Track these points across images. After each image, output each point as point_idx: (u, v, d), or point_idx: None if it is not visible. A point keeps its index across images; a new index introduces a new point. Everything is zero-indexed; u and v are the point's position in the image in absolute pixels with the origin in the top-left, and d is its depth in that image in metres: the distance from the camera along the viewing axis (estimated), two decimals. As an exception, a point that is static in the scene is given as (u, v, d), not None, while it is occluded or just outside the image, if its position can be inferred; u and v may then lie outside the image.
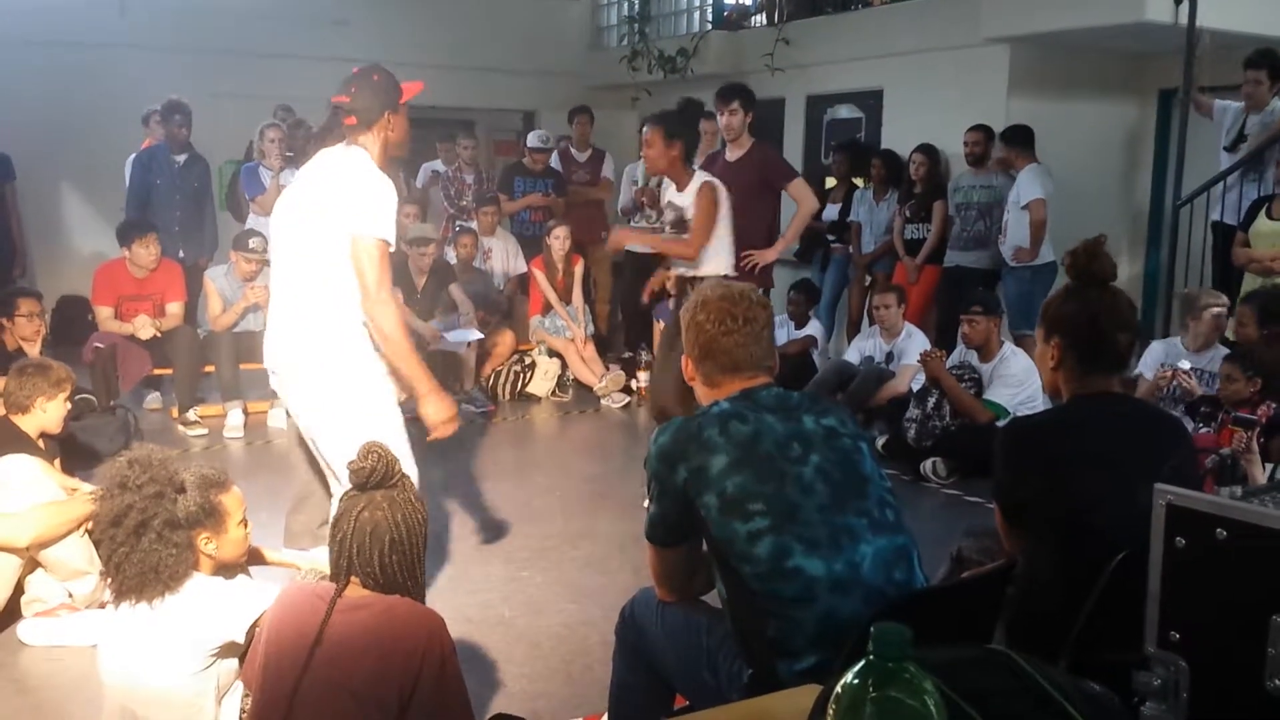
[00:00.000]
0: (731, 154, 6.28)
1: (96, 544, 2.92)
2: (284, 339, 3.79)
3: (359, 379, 3.72)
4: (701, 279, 5.36)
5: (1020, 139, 7.61)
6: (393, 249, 3.68)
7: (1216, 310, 5.97)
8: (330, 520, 4.56)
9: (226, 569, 3.17)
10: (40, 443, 4.57)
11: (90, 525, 3.95)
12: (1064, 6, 7.19)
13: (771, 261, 6.20)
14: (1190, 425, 5.29)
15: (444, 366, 7.90)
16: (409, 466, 3.68)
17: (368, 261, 3.57)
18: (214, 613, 2.92)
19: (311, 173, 3.80)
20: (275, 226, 3.90)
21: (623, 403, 8.14)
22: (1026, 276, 7.45)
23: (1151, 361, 6.07)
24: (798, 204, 6.38)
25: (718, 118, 6.25)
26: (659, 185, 8.79)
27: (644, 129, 5.62)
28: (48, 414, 4.58)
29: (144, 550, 2.84)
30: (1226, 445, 4.65)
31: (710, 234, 5.38)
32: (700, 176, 5.52)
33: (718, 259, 5.50)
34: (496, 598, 4.47)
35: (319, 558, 3.77)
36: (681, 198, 5.52)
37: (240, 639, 2.93)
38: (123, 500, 2.85)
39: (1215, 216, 7.20)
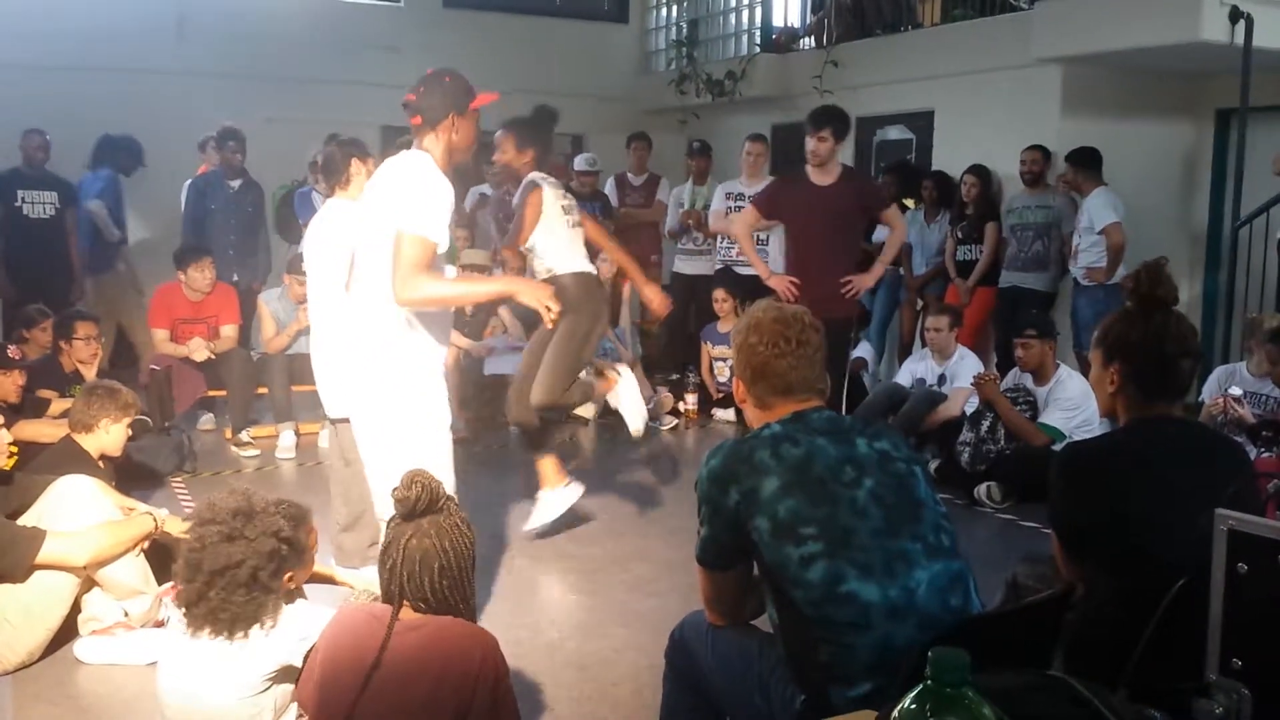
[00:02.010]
0: (820, 179, 6.15)
1: (187, 583, 2.92)
2: (357, 345, 3.80)
3: (409, 395, 3.73)
4: (560, 276, 5.15)
5: (1088, 161, 7.52)
6: (442, 249, 3.63)
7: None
8: (380, 545, 4.63)
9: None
10: (99, 463, 4.65)
11: (143, 548, 4.02)
12: (1117, 26, 7.12)
13: (869, 287, 6.31)
14: (1252, 450, 5.20)
15: (493, 389, 7.94)
16: (446, 479, 3.70)
17: (405, 255, 3.49)
18: (274, 638, 2.93)
19: (380, 181, 3.82)
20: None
21: (670, 425, 8.13)
22: (1100, 296, 7.36)
23: (1213, 387, 5.97)
24: (891, 228, 6.42)
25: (807, 142, 6.14)
26: (705, 208, 8.84)
27: (496, 134, 5.42)
28: (110, 436, 4.68)
29: (246, 600, 2.86)
30: (1289, 470, 4.56)
31: (524, 229, 5.16)
32: (529, 178, 5.30)
33: (568, 257, 5.23)
34: (545, 620, 4.47)
35: (372, 578, 3.79)
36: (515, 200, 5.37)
37: (298, 663, 2.95)
38: (233, 552, 2.86)
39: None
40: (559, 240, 5.23)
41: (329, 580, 3.79)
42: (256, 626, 2.89)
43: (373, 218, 3.73)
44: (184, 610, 2.94)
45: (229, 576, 2.84)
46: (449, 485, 3.72)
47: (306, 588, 3.51)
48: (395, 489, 2.52)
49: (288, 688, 3.02)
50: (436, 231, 3.55)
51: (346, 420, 4.57)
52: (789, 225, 6.44)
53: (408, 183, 3.64)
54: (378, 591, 3.26)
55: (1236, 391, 5.72)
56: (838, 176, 6.15)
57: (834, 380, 5.96)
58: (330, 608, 3.17)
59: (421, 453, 3.56)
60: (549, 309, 3.73)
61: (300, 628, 2.97)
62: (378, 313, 3.71)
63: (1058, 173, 7.93)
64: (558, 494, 5.39)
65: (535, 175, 5.32)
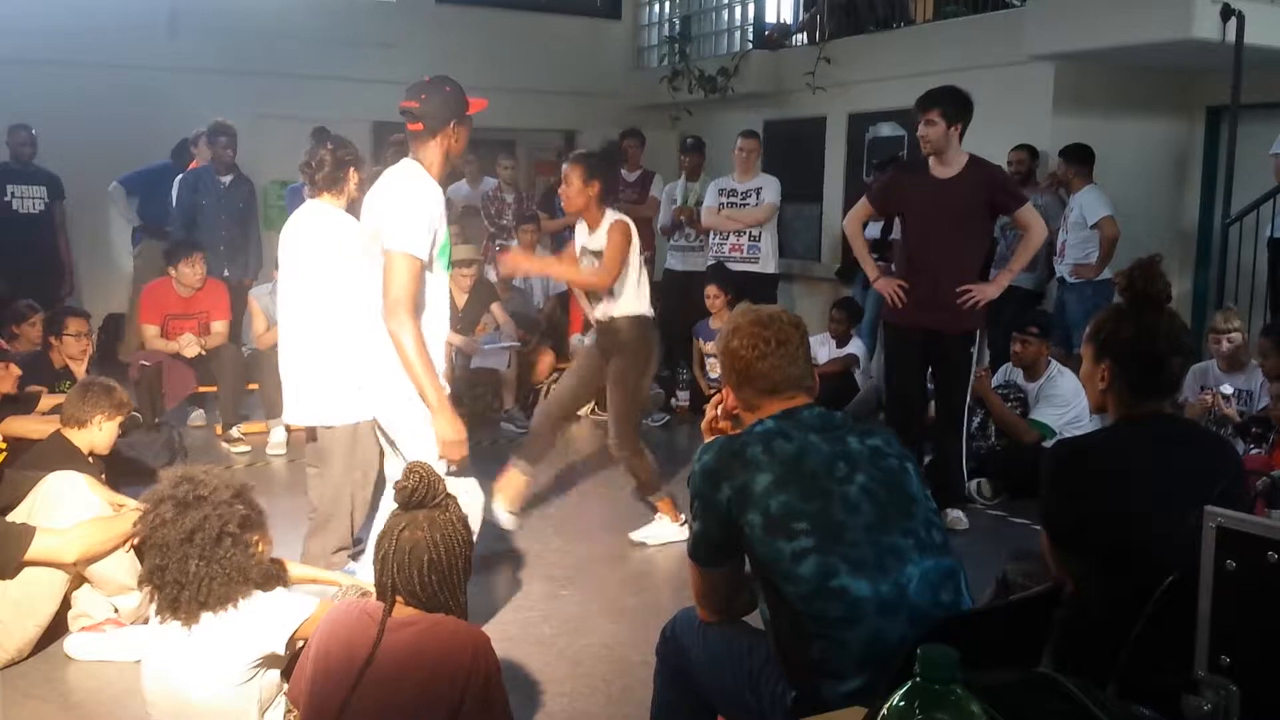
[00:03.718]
0: (940, 171, 5.48)
1: (158, 567, 2.93)
2: (373, 349, 3.83)
3: (411, 394, 3.74)
4: (616, 319, 5.23)
5: (1081, 157, 7.54)
6: (425, 260, 3.68)
7: (1230, 334, 5.87)
8: (344, 551, 4.67)
9: (263, 582, 3.20)
10: (89, 459, 4.63)
11: (133, 544, 4.01)
12: (1109, 23, 7.13)
13: (992, 299, 5.56)
14: (1241, 446, 5.21)
15: (485, 384, 7.95)
16: (469, 485, 3.72)
17: (392, 275, 3.61)
18: (254, 625, 2.94)
19: (375, 190, 3.87)
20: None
21: (662, 421, 8.13)
22: (1089, 293, 7.38)
23: (1190, 383, 5.96)
24: (1025, 232, 5.65)
25: (919, 129, 5.54)
26: (698, 204, 8.83)
27: (564, 165, 5.35)
28: (103, 433, 4.66)
29: (224, 558, 2.87)
30: (1278, 467, 4.58)
31: (622, 266, 5.15)
32: (611, 215, 5.24)
33: (633, 299, 5.24)
34: (537, 616, 4.46)
35: (361, 576, 3.80)
36: (594, 239, 5.26)
37: (281, 650, 2.95)
38: (196, 513, 2.87)
39: (1269, 234, 7.10)
40: (628, 283, 5.23)
41: (322, 581, 3.79)
42: (232, 606, 2.90)
43: (366, 226, 3.79)
44: (155, 598, 2.94)
45: (198, 541, 2.85)
46: (473, 490, 3.78)
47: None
48: (396, 480, 2.53)
49: (273, 679, 3.03)
50: (418, 246, 3.63)
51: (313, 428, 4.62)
52: (904, 222, 5.79)
53: (393, 198, 3.70)
54: (364, 588, 3.27)
55: (1227, 389, 5.73)
56: (963, 167, 5.44)
57: (955, 405, 5.56)
58: (312, 597, 3.18)
59: (425, 450, 3.60)
60: (453, 448, 3.70)
61: (280, 613, 2.97)
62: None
63: (1047, 171, 7.94)
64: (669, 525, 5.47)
65: (621, 215, 5.30)
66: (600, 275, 5.18)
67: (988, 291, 5.48)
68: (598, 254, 5.24)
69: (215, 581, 2.87)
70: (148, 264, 8.85)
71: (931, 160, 5.52)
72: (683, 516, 5.41)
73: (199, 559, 2.86)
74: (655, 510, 5.52)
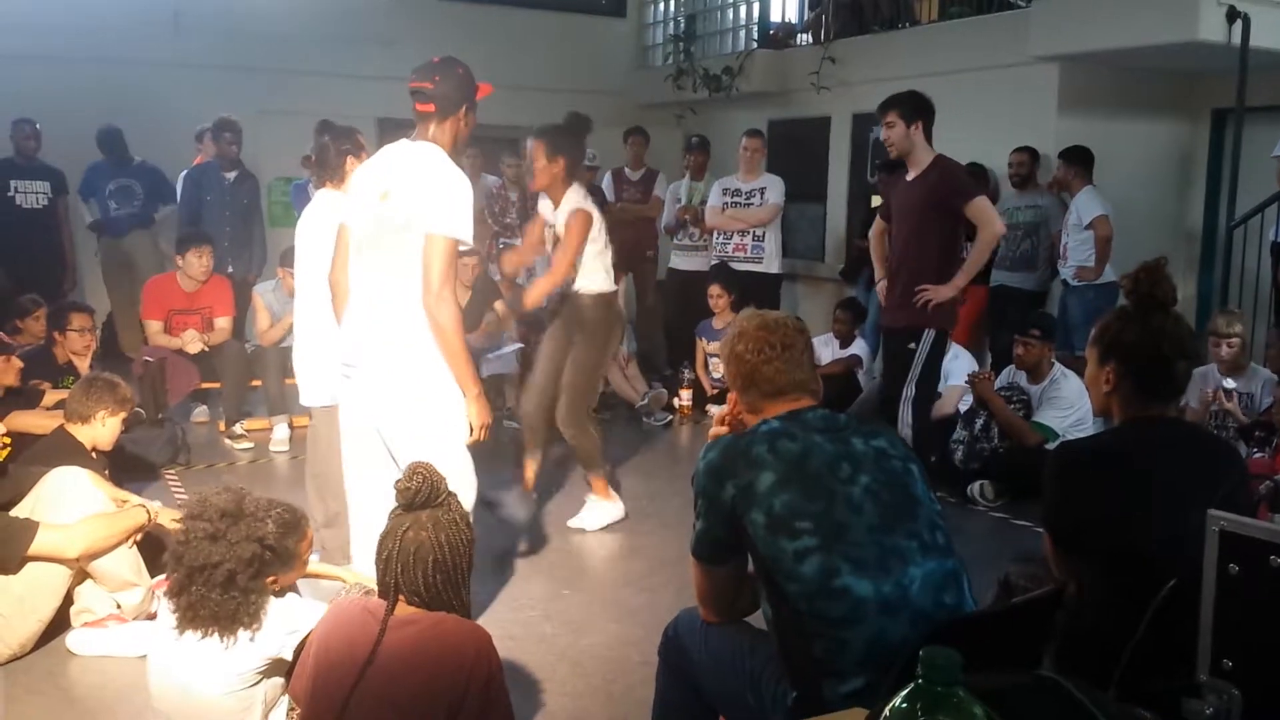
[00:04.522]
0: (910, 173, 5.62)
1: (172, 574, 2.94)
2: (367, 338, 3.79)
3: (435, 382, 3.73)
4: (580, 293, 5.32)
5: (1080, 159, 7.54)
6: (465, 247, 3.71)
7: (1231, 339, 5.85)
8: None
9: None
10: (92, 455, 4.64)
11: (135, 540, 4.01)
12: (1115, 25, 7.12)
13: (948, 298, 5.55)
14: (1244, 450, 5.21)
15: (489, 383, 7.93)
16: (468, 477, 3.72)
17: (434, 258, 3.59)
18: (264, 631, 2.94)
19: (384, 168, 3.80)
20: (351, 222, 3.92)
21: (665, 420, 8.13)
22: (1090, 296, 7.37)
23: (1190, 387, 5.94)
24: (979, 228, 5.57)
25: (882, 133, 5.62)
26: (702, 203, 8.83)
27: (527, 142, 5.34)
28: (105, 429, 4.67)
29: (223, 599, 2.87)
30: (1281, 470, 4.58)
31: (573, 258, 5.23)
32: (574, 199, 5.26)
33: (595, 276, 5.33)
34: (538, 615, 4.46)
35: (364, 573, 3.79)
36: (557, 215, 5.31)
37: (289, 656, 2.95)
38: (212, 551, 2.87)
39: (1273, 237, 7.10)
40: (586, 258, 5.30)
41: (326, 577, 3.79)
42: (240, 628, 2.90)
43: (395, 210, 3.67)
44: (171, 603, 2.95)
45: (206, 575, 2.86)
46: (471, 485, 3.75)
47: (299, 582, 3.52)
48: (397, 480, 2.52)
49: (278, 680, 3.03)
50: (464, 230, 3.63)
51: (325, 408, 4.59)
52: (890, 225, 5.94)
53: (431, 183, 3.64)
54: (370, 586, 3.27)
55: (1230, 384, 5.73)
56: (925, 168, 5.53)
57: (894, 396, 5.59)
58: (321, 602, 3.17)
59: (448, 448, 3.59)
60: (486, 431, 3.80)
61: (290, 621, 2.97)
62: (406, 306, 3.70)
63: (1050, 172, 7.93)
64: (604, 505, 5.55)
65: (585, 202, 5.30)
66: (553, 273, 5.29)
67: (942, 292, 5.52)
68: (555, 227, 5.29)
69: (204, 611, 2.88)
70: (109, 263, 8.87)
71: (907, 164, 5.66)
72: (614, 493, 5.56)
73: (201, 586, 2.87)
74: (590, 490, 5.56)
